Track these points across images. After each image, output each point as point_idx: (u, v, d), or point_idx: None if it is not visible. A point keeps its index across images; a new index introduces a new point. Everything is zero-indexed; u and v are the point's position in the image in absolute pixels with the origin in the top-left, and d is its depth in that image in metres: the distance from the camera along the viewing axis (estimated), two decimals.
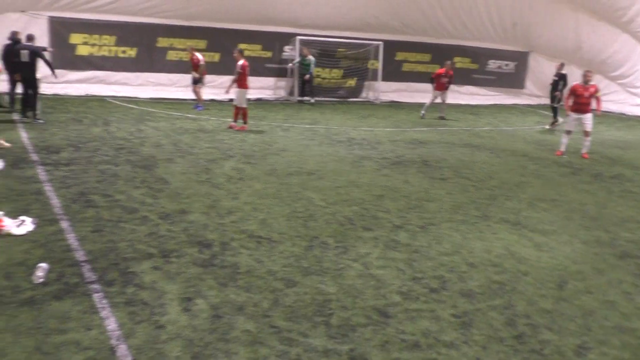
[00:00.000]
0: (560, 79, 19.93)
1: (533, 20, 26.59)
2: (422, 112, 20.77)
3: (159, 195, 9.07)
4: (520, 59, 28.68)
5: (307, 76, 22.51)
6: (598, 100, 14.56)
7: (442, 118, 20.68)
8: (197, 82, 19.00)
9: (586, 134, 14.55)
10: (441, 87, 20.73)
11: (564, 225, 8.97)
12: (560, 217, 9.39)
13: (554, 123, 20.19)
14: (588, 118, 14.48)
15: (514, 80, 28.97)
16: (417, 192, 10.35)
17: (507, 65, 28.64)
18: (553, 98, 20.22)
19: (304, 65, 22.59)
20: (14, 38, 15.06)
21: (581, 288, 6.63)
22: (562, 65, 20.26)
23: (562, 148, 14.90)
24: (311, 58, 22.56)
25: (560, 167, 13.48)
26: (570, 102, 14.56)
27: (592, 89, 14.35)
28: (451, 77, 20.89)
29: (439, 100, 21.00)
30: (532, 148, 15.82)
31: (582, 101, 14.36)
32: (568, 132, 14.82)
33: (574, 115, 14.60)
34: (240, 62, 15.48)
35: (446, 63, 21.05)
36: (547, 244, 8.07)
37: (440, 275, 6.71)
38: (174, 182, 9.86)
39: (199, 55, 18.93)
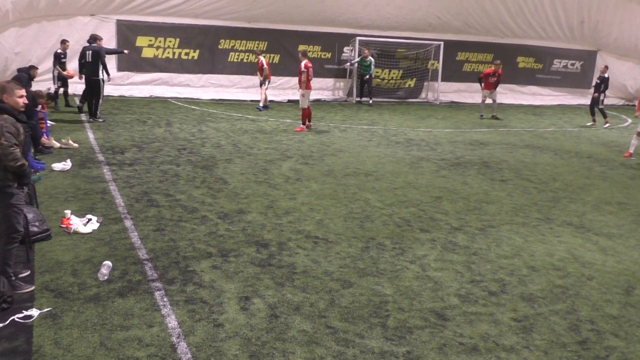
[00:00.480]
0: (601, 82, 19.92)
1: (601, 18, 25.70)
2: (481, 113, 20.91)
3: (218, 195, 9.23)
4: (587, 58, 27.77)
5: (367, 76, 22.45)
6: None
7: (495, 117, 20.56)
8: (262, 83, 19.54)
9: None
10: (489, 86, 20.83)
11: (632, 229, 8.66)
12: (627, 221, 9.06)
13: (606, 121, 20.21)
14: None
15: (580, 80, 28.06)
16: (476, 193, 10.18)
17: (572, 64, 27.78)
18: (597, 100, 20.07)
19: (363, 66, 22.54)
20: (89, 40, 15.73)
21: None
22: (606, 68, 20.26)
23: (631, 149, 14.40)
24: (371, 59, 22.50)
25: (629, 169, 13.01)
26: None
27: None
28: (499, 76, 20.87)
29: (489, 100, 21.03)
30: (598, 149, 15.32)
31: None
32: (639, 134, 14.26)
33: None
34: (303, 62, 15.68)
35: (495, 62, 21.14)
36: (613, 248, 7.80)
37: (500, 279, 6.58)
38: (233, 183, 10.00)
39: (263, 60, 19.45)
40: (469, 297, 6.06)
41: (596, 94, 19.94)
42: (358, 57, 22.79)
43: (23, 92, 5.78)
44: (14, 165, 5.40)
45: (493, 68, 20.75)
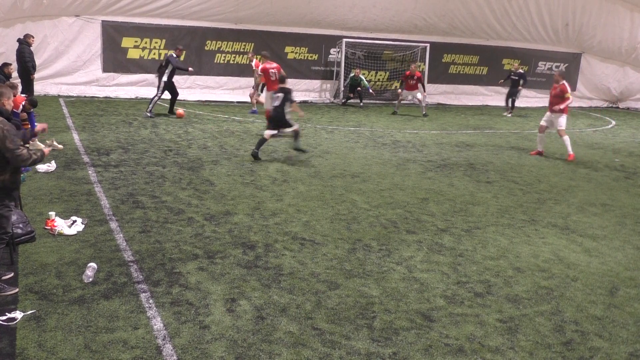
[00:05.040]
0: (520, 77, 22.56)
1: (586, 20, 25.92)
2: (395, 109, 21.67)
3: (205, 196, 9.20)
4: (572, 60, 27.98)
5: (364, 89, 22.55)
6: (564, 100, 14.22)
7: (425, 115, 21.10)
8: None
9: (558, 132, 14.46)
10: (410, 87, 21.37)
11: (616, 231, 8.73)
12: (612, 222, 9.14)
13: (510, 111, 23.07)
14: (556, 117, 14.28)
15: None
16: (463, 195, 10.23)
17: (557, 66, 27.98)
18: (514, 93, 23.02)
19: (355, 81, 22.63)
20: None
21: (634, 295, 6.45)
22: (519, 66, 23.68)
23: (539, 147, 14.84)
24: (361, 76, 22.64)
25: (612, 171, 13.13)
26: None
27: (558, 89, 14.28)
28: (419, 78, 21.30)
29: (415, 100, 22.13)
30: (582, 151, 15.45)
31: (549, 100, 14.55)
32: (541, 129, 14.77)
33: (547, 114, 14.64)
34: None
35: (412, 65, 21.69)
36: (597, 249, 7.87)
37: (486, 280, 6.61)
38: (219, 184, 9.97)
39: (253, 63, 19.46)
40: (455, 299, 6.09)
41: (516, 88, 22.63)
42: (349, 75, 22.93)
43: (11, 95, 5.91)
44: (25, 164, 5.66)
45: (410, 71, 21.25)
